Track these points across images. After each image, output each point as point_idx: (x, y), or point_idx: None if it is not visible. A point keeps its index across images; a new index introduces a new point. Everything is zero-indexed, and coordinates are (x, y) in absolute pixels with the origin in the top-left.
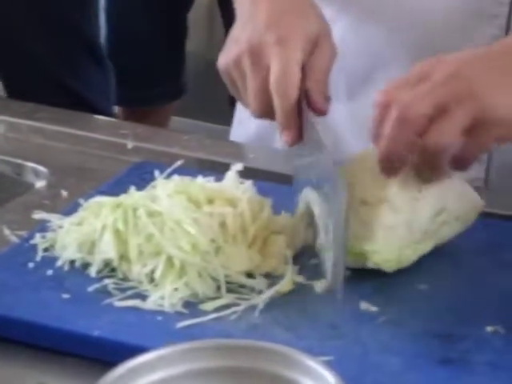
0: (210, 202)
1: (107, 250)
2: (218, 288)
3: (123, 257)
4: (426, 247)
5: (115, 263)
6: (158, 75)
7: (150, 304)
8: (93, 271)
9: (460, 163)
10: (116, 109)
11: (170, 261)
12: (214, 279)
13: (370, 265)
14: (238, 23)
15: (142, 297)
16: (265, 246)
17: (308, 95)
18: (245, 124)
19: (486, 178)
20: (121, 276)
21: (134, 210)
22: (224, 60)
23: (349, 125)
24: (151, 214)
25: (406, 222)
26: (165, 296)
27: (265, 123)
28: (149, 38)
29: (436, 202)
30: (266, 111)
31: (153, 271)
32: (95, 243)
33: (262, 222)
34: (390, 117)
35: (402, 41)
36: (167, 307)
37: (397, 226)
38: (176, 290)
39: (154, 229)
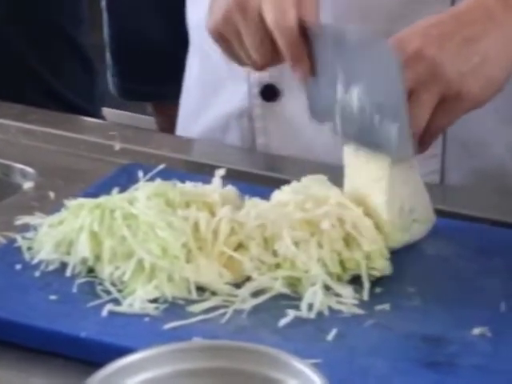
0: (187, 205)
1: (82, 250)
2: (203, 291)
3: (99, 258)
4: (405, 237)
5: (90, 263)
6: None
7: (124, 307)
8: (68, 271)
9: (427, 137)
10: (104, 111)
11: (140, 264)
12: (186, 283)
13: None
14: None
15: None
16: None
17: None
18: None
19: (443, 156)
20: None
21: (112, 211)
22: (213, 21)
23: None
24: (127, 217)
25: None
26: (135, 298)
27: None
28: (156, 32)
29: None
30: (269, 58)
31: (124, 273)
32: (73, 243)
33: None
34: None
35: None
36: (138, 310)
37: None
38: (146, 292)
39: (127, 231)
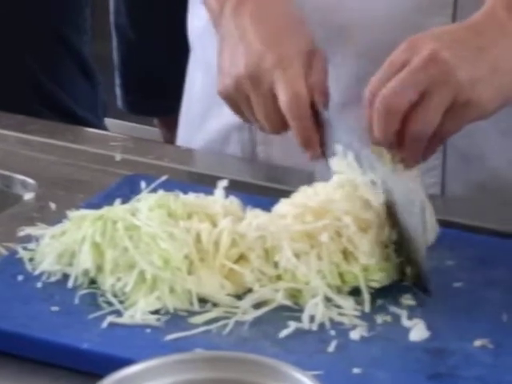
0: (189, 217)
1: (84, 261)
2: (205, 302)
3: (101, 269)
4: None
5: (92, 274)
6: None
7: (125, 318)
8: (70, 282)
9: (433, 143)
10: (108, 122)
11: (141, 275)
12: (188, 294)
13: None
14: (225, 45)
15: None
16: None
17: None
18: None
19: (444, 168)
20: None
21: (114, 222)
22: (223, 85)
23: None
24: (129, 228)
25: None
26: (137, 310)
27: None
28: (161, 45)
29: None
30: (280, 129)
31: (126, 285)
32: (75, 255)
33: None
34: (375, 110)
35: (348, 41)
36: (139, 321)
37: None
38: (147, 304)
39: (129, 242)
